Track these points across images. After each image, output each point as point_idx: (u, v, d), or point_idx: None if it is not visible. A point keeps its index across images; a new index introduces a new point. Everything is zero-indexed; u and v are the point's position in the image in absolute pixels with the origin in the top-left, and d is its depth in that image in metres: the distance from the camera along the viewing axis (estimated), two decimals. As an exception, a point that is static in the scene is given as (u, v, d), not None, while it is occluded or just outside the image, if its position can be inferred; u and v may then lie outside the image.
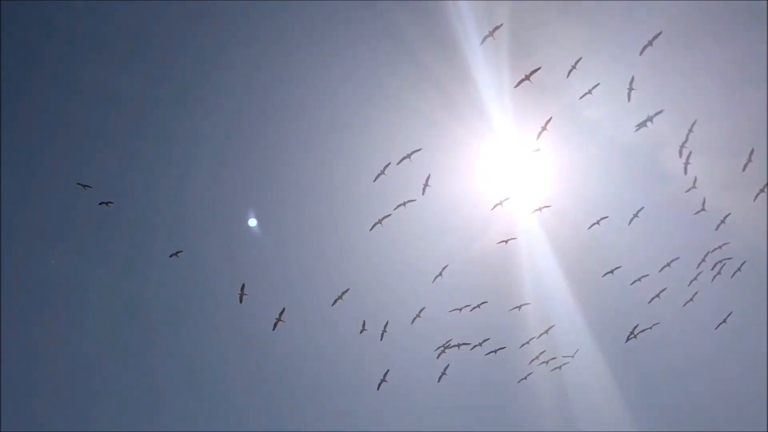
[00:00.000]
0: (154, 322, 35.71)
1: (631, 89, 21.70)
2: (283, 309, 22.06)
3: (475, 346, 26.00)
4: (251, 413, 37.84)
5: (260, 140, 33.85)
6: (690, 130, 21.81)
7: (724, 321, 26.62)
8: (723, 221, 24.31)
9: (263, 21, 31.40)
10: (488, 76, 29.45)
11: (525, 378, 27.95)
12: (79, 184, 21.60)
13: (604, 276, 25.92)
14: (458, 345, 25.87)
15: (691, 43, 26.45)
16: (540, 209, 24.66)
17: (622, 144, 27.34)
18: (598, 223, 24.75)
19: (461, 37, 29.21)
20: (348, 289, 23.39)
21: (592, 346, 34.43)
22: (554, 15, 29.38)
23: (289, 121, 33.37)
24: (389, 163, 22.68)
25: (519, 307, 26.90)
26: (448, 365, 25.77)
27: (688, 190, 23.66)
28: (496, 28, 20.86)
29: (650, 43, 21.18)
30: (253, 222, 29.26)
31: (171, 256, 22.71)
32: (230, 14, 30.63)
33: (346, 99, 32.46)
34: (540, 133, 22.41)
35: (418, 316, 25.17)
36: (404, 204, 23.39)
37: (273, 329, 22.24)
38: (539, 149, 23.58)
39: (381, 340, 24.85)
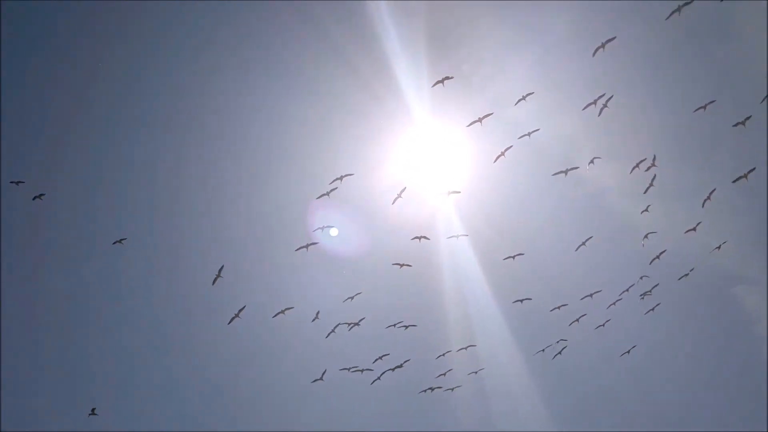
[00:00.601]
0: (153, 321, 35.75)
1: (605, 106, 21.33)
2: (243, 307, 22.59)
3: (396, 366, 25.62)
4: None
5: (186, 136, 33.60)
6: (653, 164, 22.27)
7: (628, 352, 27.90)
8: (658, 257, 24.64)
9: (194, 18, 31.95)
10: (408, 71, 29.34)
11: (426, 391, 27.19)
12: (12, 182, 22.10)
13: (514, 303, 26.54)
14: (362, 370, 25.85)
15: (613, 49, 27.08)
16: (450, 193, 24.38)
17: (540, 146, 27.44)
18: (513, 257, 24.94)
19: (381, 32, 29.34)
20: (292, 307, 23.51)
21: (515, 356, 34.74)
22: (475, 12, 29.55)
23: (214, 116, 33.30)
24: (334, 188, 22.90)
25: (406, 327, 26.00)
26: (384, 372, 25.54)
27: (643, 212, 24.10)
28: (447, 78, 22.26)
29: (594, 102, 21.37)
30: (334, 231, 28.33)
31: (114, 243, 22.99)
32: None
33: (272, 95, 32.43)
34: (497, 158, 22.94)
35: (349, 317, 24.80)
36: (321, 228, 23.97)
37: (228, 323, 22.94)
38: (459, 191, 24.37)
39: (326, 337, 25.10)
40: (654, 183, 22.90)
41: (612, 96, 21.08)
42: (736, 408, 37.22)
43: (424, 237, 24.30)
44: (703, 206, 22.86)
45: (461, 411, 35.29)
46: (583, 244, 24.73)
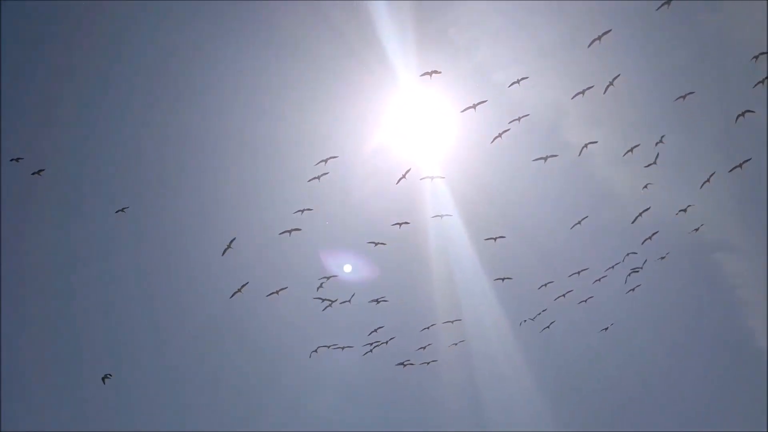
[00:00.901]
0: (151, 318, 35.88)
1: (610, 84, 21.70)
2: (246, 283, 22.57)
3: (376, 342, 25.65)
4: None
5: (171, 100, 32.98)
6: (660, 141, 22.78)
7: (606, 329, 29.08)
8: (650, 238, 24.97)
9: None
10: (394, 35, 28.93)
11: (403, 364, 27.43)
12: (12, 159, 22.42)
13: (495, 280, 27.07)
14: (342, 347, 26.03)
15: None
16: (434, 177, 24.26)
17: (525, 110, 27.45)
18: (494, 239, 25.19)
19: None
20: (286, 287, 23.32)
21: (502, 328, 35.11)
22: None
23: (209, 84, 32.99)
24: (325, 173, 22.89)
25: (377, 301, 25.89)
26: (376, 344, 25.66)
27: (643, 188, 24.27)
28: (435, 72, 22.29)
29: (582, 92, 21.83)
30: (348, 268, 29.00)
31: (117, 212, 23.10)
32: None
33: (255, 57, 32.03)
34: (494, 139, 23.17)
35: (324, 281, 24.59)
36: (301, 211, 23.34)
37: (231, 297, 22.99)
38: (443, 177, 24.58)
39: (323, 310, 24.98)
40: (657, 161, 23.34)
41: (619, 75, 21.37)
42: (718, 368, 38.27)
43: (405, 222, 24.20)
44: (701, 187, 23.26)
45: (446, 379, 35.82)
46: (578, 223, 25.07)
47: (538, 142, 28.87)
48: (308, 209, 23.06)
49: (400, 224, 24.04)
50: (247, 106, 32.75)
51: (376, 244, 24.26)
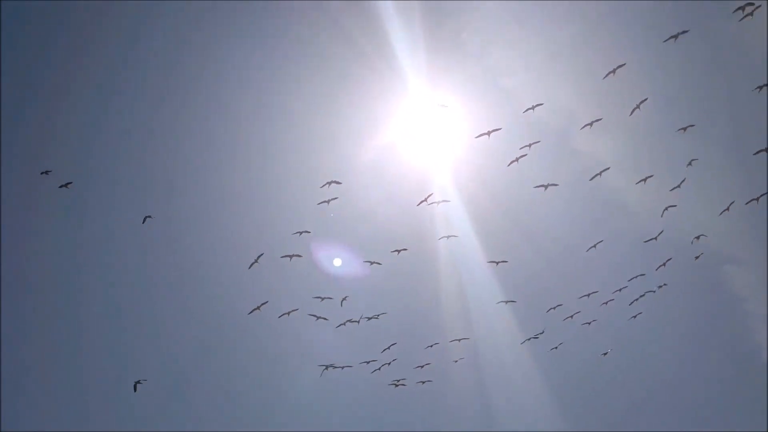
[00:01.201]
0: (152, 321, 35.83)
1: (637, 108, 21.78)
2: (265, 302, 22.71)
3: (375, 364, 25.55)
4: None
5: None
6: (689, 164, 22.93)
7: (605, 354, 29.44)
8: (663, 264, 25.20)
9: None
10: (405, 40, 28.93)
11: (395, 384, 27.02)
12: (42, 172, 21.90)
13: (498, 303, 27.41)
14: (342, 366, 25.62)
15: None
16: (438, 202, 24.19)
17: (535, 116, 27.30)
18: (497, 263, 25.31)
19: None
20: (297, 309, 23.43)
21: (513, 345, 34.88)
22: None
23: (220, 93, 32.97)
24: (334, 198, 22.94)
25: (368, 318, 25.59)
26: (393, 360, 25.62)
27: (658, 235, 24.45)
28: (443, 105, 22.82)
29: (590, 124, 22.00)
30: (338, 261, 29.29)
31: (144, 222, 22.43)
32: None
33: (268, 63, 32.33)
34: (511, 163, 23.48)
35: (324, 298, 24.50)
36: (299, 233, 23.28)
37: (248, 313, 22.95)
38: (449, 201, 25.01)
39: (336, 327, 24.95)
40: (681, 185, 23.44)
41: (646, 99, 21.44)
42: (725, 381, 37.94)
43: (404, 249, 24.12)
44: (720, 214, 23.43)
45: (457, 385, 35.52)
46: (594, 246, 25.19)
47: (548, 149, 28.77)
48: (306, 231, 23.01)
49: (399, 251, 24.01)
50: (254, 110, 32.80)
51: (372, 263, 24.24)
